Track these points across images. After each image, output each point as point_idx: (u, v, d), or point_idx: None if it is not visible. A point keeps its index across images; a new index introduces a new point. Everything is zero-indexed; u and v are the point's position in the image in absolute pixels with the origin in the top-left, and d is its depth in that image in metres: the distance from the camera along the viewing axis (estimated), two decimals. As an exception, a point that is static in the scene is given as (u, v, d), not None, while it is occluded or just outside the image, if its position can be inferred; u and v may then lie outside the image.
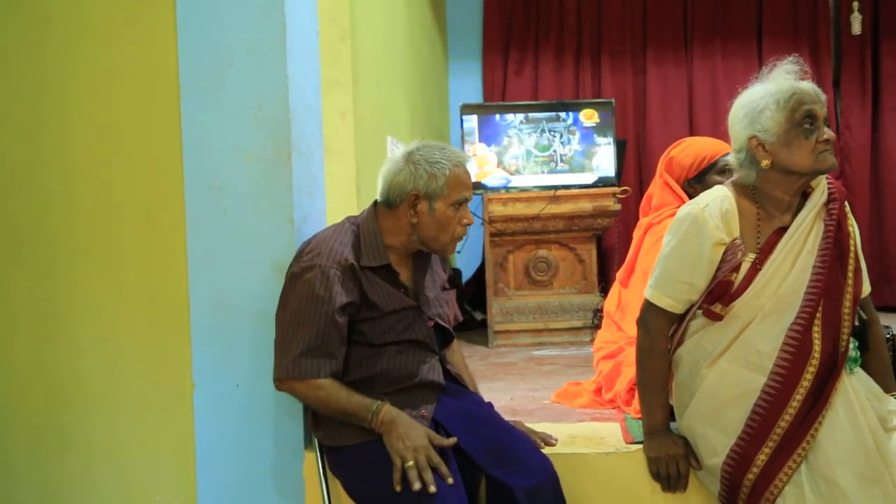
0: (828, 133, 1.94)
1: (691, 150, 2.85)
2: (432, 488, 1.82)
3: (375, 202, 2.11)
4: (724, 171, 2.73)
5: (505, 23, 5.64)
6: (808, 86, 1.98)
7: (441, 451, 1.97)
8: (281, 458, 2.17)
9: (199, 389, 2.18)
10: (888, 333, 2.76)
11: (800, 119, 1.93)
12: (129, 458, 2.22)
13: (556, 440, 2.22)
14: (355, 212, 3.19)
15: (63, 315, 2.24)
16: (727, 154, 2.70)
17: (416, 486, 1.82)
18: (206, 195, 2.17)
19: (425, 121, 4.78)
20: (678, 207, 2.75)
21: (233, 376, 2.17)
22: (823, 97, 1.98)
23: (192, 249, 2.18)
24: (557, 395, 2.88)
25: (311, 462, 2.16)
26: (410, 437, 1.90)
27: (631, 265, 2.93)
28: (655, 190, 2.93)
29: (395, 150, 2.15)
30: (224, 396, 2.17)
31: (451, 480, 1.86)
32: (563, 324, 4.32)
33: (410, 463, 1.85)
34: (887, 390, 2.05)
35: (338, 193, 3.04)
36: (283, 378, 1.99)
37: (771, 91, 1.96)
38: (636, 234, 2.96)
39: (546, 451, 2.10)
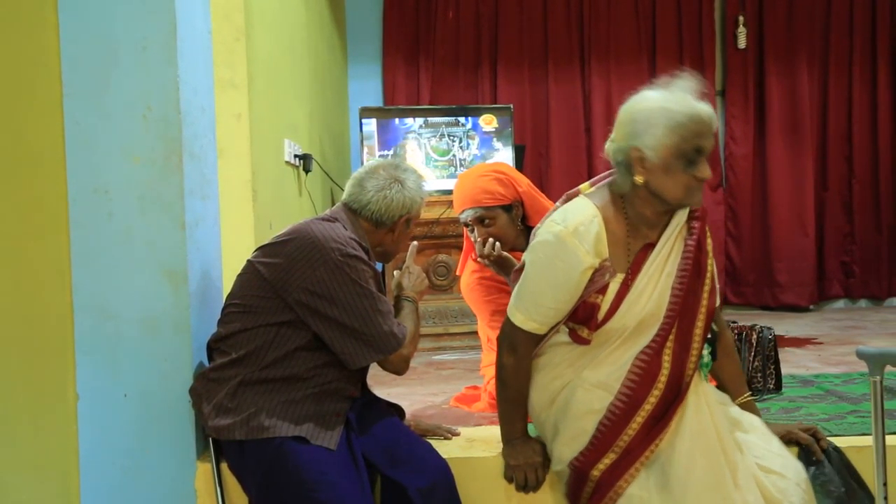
0: (706, 173, 1.87)
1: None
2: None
3: (348, 208, 2.13)
4: (467, 225, 2.69)
5: (405, 27, 5.65)
6: (707, 112, 1.86)
7: (354, 459, 1.98)
8: (172, 470, 2.10)
9: (83, 400, 2.09)
10: (769, 334, 2.89)
11: (687, 151, 1.84)
12: (5, 473, 2.09)
13: (459, 432, 2.31)
14: (250, 215, 3.16)
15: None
16: (465, 211, 2.67)
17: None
18: (91, 198, 2.08)
19: (323, 123, 4.72)
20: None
21: (120, 386, 2.09)
22: (716, 126, 1.88)
23: (75, 254, 2.09)
24: (456, 400, 2.90)
25: (204, 473, 2.10)
26: (416, 285, 2.29)
27: None
28: None
29: (368, 161, 2.26)
30: (110, 408, 2.09)
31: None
32: (463, 328, 4.34)
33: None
34: (740, 392, 2.11)
35: (233, 197, 2.97)
36: (395, 348, 2.03)
37: (668, 109, 1.84)
38: None
39: (444, 454, 2.10)
